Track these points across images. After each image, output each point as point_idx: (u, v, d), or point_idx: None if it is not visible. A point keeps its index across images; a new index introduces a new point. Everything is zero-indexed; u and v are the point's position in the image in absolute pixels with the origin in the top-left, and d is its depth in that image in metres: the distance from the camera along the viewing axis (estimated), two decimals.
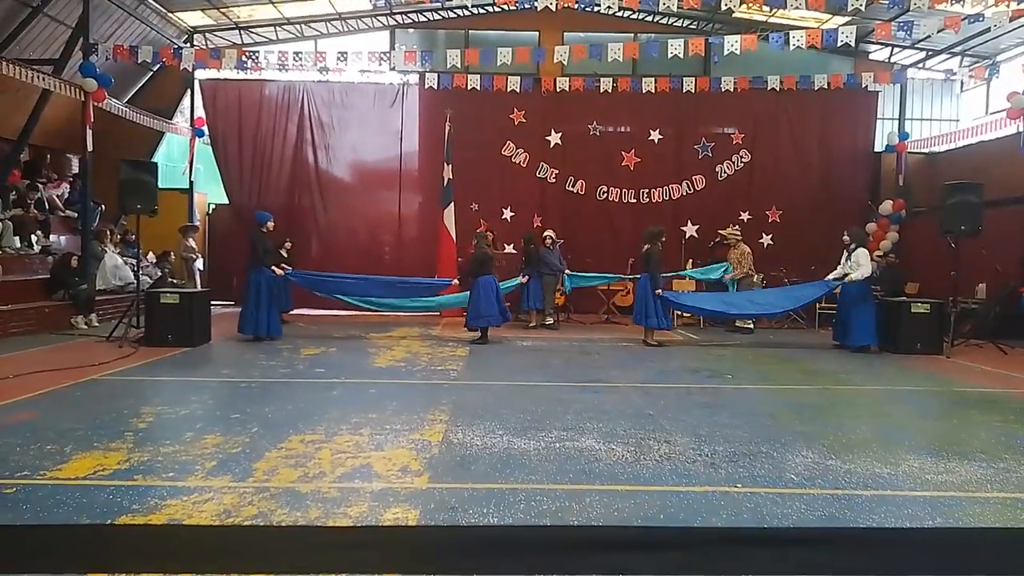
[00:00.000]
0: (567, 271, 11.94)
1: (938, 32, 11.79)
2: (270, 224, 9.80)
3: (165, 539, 1.23)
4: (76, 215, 12.55)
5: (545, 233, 12.17)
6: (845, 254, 9.84)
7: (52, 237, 12.06)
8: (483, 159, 13.94)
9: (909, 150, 14.74)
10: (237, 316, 9.67)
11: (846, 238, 9.95)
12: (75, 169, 13.68)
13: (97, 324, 10.49)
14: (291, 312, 11.72)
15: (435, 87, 12.97)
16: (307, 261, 12.98)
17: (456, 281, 10.39)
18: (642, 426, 5.22)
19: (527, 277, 11.46)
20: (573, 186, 14.18)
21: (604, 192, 14.19)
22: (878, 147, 14.88)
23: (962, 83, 16.27)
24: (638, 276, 10.22)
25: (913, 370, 8.19)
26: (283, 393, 6.26)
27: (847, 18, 13.07)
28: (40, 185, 12.38)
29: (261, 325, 9.36)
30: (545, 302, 11.91)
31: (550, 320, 11.79)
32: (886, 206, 14.12)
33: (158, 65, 13.17)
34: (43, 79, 10.43)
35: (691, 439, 4.87)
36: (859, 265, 9.53)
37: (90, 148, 11.07)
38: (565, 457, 4.40)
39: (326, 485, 3.81)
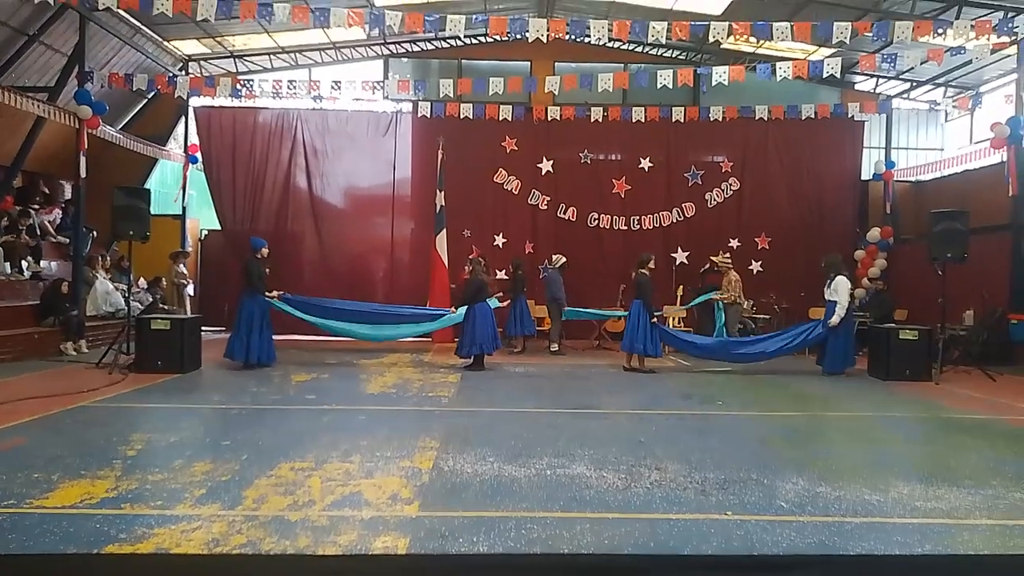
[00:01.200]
0: (566, 306, 12.02)
1: (921, 64, 12.05)
2: (264, 250, 9.80)
3: (153, 568, 1.24)
4: (68, 241, 12.54)
5: (562, 261, 12.19)
6: (827, 282, 9.96)
7: (43, 263, 12.03)
8: (475, 186, 14.05)
9: (896, 178, 14.93)
10: (224, 342, 9.62)
11: (823, 265, 10.09)
12: (68, 195, 13.70)
13: (87, 350, 10.43)
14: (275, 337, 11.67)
15: (428, 115, 13.10)
16: (300, 287, 12.87)
17: (454, 310, 10.39)
18: (633, 452, 5.22)
19: (507, 301, 11.52)
20: (564, 213, 14.29)
21: (595, 219, 14.30)
22: (865, 175, 15.08)
23: (946, 113, 16.56)
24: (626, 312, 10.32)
25: (902, 396, 8.23)
26: (273, 420, 6.23)
27: (833, 50, 13.33)
28: (32, 211, 12.38)
29: (253, 351, 9.31)
30: (552, 329, 11.99)
31: (555, 347, 11.81)
32: (874, 233, 14.26)
33: (153, 92, 13.29)
34: (38, 106, 10.50)
35: (682, 466, 4.88)
36: (837, 294, 9.67)
37: (84, 175, 11.11)
38: (556, 484, 4.40)
39: (316, 513, 3.80)
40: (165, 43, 13.88)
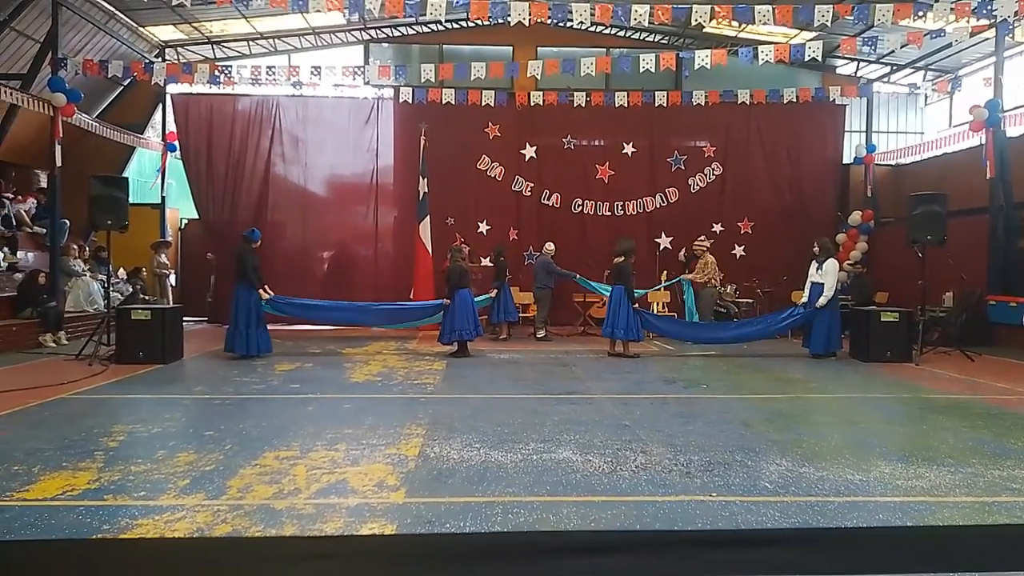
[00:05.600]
0: (577, 276, 12.09)
1: (902, 47, 12.11)
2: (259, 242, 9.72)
3: (143, 553, 1.22)
4: (44, 231, 12.32)
5: (549, 246, 12.31)
6: (814, 264, 9.99)
7: (19, 254, 11.83)
8: (458, 173, 13.98)
9: (876, 162, 15.05)
10: (205, 332, 9.51)
11: (815, 248, 10.12)
12: (42, 184, 13.46)
13: (66, 342, 10.29)
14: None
15: (410, 101, 12.99)
16: (282, 278, 12.58)
17: (448, 302, 9.81)
18: (618, 437, 5.24)
19: (496, 291, 11.45)
20: (548, 199, 14.27)
21: (579, 205, 14.30)
22: (846, 159, 15.17)
23: (926, 97, 16.68)
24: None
25: (883, 377, 8.33)
26: (257, 409, 6.19)
27: (814, 33, 13.35)
28: (7, 200, 12.16)
29: (251, 343, 9.20)
30: (537, 316, 11.99)
31: (542, 333, 11.81)
32: (855, 217, 14.38)
33: (129, 79, 13.07)
34: (11, 94, 10.29)
35: (667, 449, 4.91)
36: (826, 276, 9.72)
37: (59, 163, 10.92)
38: (542, 469, 4.41)
39: (301, 501, 3.78)
40: (140, 29, 13.63)
